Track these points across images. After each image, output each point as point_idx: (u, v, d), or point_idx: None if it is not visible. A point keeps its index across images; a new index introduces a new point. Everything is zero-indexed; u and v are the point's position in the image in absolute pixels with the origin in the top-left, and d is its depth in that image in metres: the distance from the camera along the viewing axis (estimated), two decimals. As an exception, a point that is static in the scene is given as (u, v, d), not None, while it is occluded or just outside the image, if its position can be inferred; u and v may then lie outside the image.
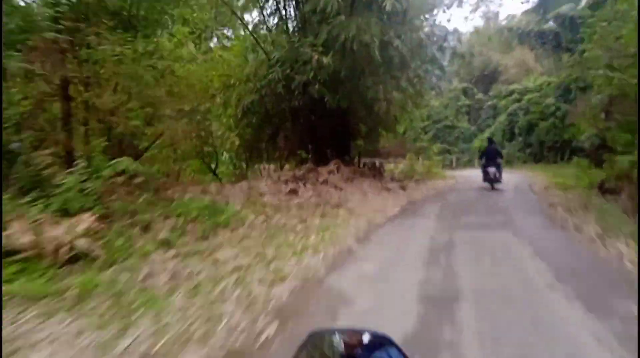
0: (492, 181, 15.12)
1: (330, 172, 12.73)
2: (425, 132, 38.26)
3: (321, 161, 13.33)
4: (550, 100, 29.18)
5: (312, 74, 11.43)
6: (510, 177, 21.45)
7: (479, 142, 35.36)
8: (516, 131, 31.75)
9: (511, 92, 36.56)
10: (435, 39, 16.06)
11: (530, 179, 21.36)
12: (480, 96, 40.82)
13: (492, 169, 15.00)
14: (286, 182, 11.82)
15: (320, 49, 11.37)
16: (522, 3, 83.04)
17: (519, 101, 33.27)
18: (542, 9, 27.56)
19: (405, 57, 12.82)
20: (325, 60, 10.93)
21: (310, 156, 13.77)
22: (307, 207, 9.75)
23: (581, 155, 24.37)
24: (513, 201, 12.22)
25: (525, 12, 32.24)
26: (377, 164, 17.39)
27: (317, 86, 11.73)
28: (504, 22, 44.84)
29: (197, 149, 13.29)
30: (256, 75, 13.10)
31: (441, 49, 18.38)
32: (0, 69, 5.48)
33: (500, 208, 10.87)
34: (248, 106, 13.15)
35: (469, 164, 34.70)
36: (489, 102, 39.03)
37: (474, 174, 25.43)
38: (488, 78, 47.89)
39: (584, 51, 16.40)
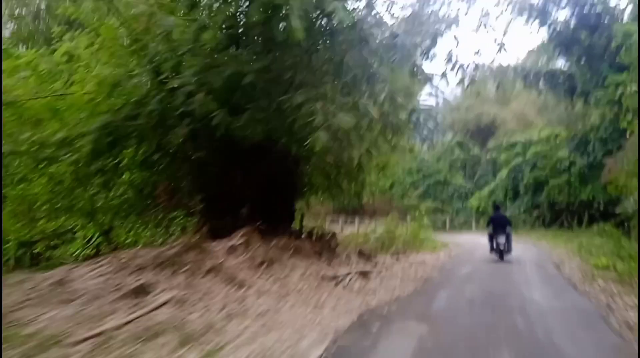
0: (501, 252, 13.49)
1: (231, 250, 7.28)
2: (415, 188, 33.11)
3: (225, 228, 7.86)
4: (562, 153, 24.26)
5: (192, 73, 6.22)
6: (521, 249, 16.24)
7: (476, 201, 30.22)
8: (521, 189, 26.68)
9: (513, 145, 31.80)
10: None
11: (550, 253, 15.95)
12: (476, 150, 36.01)
13: (501, 240, 13.47)
14: (137, 271, 6.35)
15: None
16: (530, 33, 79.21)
17: (523, 154, 28.41)
18: (554, 44, 23.09)
19: (369, 63, 7.70)
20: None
21: (200, 219, 8.13)
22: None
23: (610, 221, 19.13)
24: (558, 315, 6.60)
25: (531, 52, 27.87)
26: (328, 234, 11.86)
27: (202, 96, 6.46)
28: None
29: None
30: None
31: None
32: (0, 70, 5.21)
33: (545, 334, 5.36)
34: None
35: (464, 226, 29.31)
36: (487, 156, 34.20)
37: (474, 241, 20.24)
38: (484, 132, 43.50)
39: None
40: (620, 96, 15.53)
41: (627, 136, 17.11)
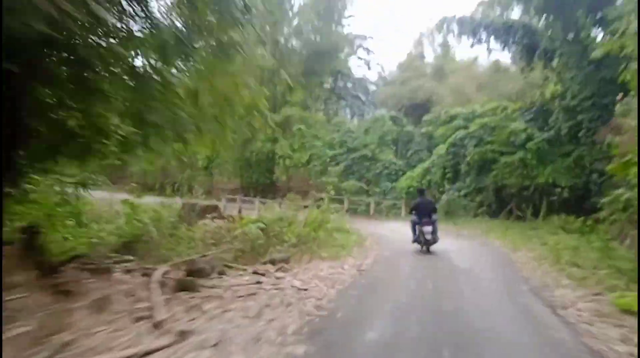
0: (427, 243, 11.55)
1: None
2: (337, 164, 27.47)
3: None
4: (517, 125, 19.33)
5: None
6: (467, 249, 11.59)
7: (407, 181, 25.12)
8: (462, 168, 21.69)
9: (453, 117, 26.88)
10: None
11: (509, 258, 10.77)
12: (410, 128, 30.75)
13: (428, 228, 11.50)
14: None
15: None
16: None
17: (465, 128, 23.46)
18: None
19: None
20: None
21: None
22: None
23: (577, 214, 14.43)
24: None
25: (482, 2, 22.64)
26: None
27: None
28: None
29: None
30: None
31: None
32: (1, 69, 4.11)
33: None
34: None
35: (392, 212, 24.10)
36: (423, 130, 29.17)
37: (401, 232, 15.09)
38: (420, 109, 38.71)
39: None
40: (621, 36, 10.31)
41: (619, 98, 12.09)
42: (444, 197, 21.54)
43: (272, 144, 29.38)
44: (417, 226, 11.85)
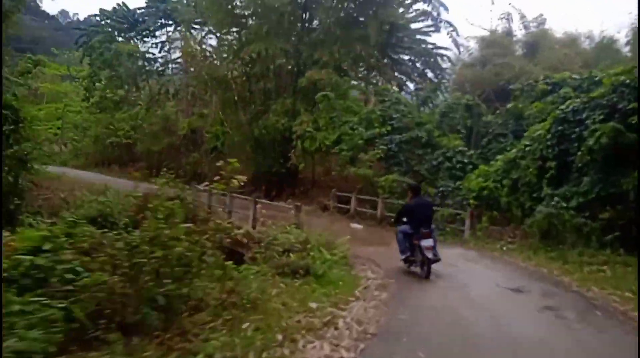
0: (429, 262, 8.44)
1: None
2: (375, 149, 18.87)
3: None
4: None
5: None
6: None
7: (480, 180, 16.08)
8: (576, 160, 12.38)
9: (557, 85, 17.46)
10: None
11: None
12: (490, 117, 21.04)
13: (428, 243, 8.47)
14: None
15: None
16: None
17: (577, 97, 14.13)
18: None
19: None
20: None
21: None
22: None
23: None
24: None
25: None
26: None
27: None
28: None
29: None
30: None
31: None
32: (1, 67, 5.48)
33: None
34: None
35: (452, 228, 15.26)
36: (509, 105, 19.79)
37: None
38: (505, 95, 28.68)
39: None
40: None
41: None
42: (541, 208, 12.40)
43: (289, 120, 21.41)
44: (409, 239, 8.78)
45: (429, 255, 8.39)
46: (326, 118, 20.30)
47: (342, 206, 18.81)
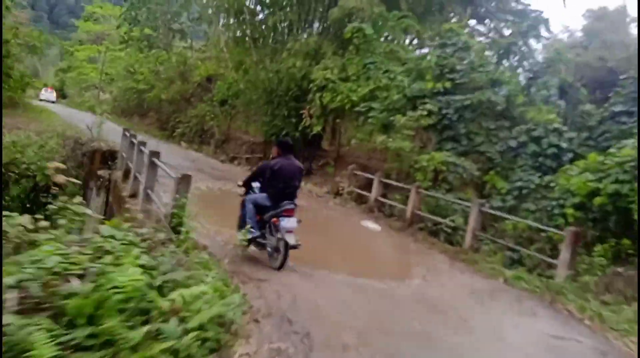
0: (287, 248, 6.01)
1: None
2: (424, 114, 12.33)
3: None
4: None
5: None
6: None
7: (584, 177, 9.07)
8: None
9: None
10: None
11: None
12: (589, 107, 13.25)
13: (290, 223, 6.17)
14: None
15: None
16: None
17: None
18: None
19: None
20: None
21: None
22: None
23: None
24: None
25: None
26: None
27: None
28: None
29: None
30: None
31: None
32: (0, 66, 6.00)
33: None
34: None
35: (544, 267, 8.66)
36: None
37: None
38: (610, 82, 20.18)
39: None
40: None
41: None
42: None
43: (309, 64, 15.32)
44: (263, 212, 6.36)
45: (291, 239, 5.94)
46: (358, 64, 14.04)
47: (363, 192, 12.69)
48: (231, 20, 17.88)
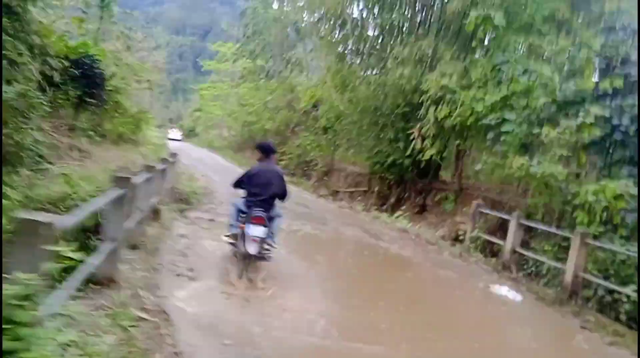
0: (248, 258, 6.02)
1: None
2: (560, 110, 8.41)
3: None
4: None
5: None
6: None
7: None
8: None
9: None
10: None
11: None
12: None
13: (255, 231, 5.96)
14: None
15: None
16: None
17: None
18: None
19: None
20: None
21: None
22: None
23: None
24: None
25: None
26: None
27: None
28: None
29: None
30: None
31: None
32: (1, 69, 4.83)
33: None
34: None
35: None
36: None
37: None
38: None
39: None
40: None
41: None
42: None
43: (422, 73, 12.14)
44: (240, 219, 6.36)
45: (251, 249, 5.87)
46: (485, 66, 10.56)
47: (493, 239, 9.01)
48: (334, 34, 15.50)
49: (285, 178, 6.77)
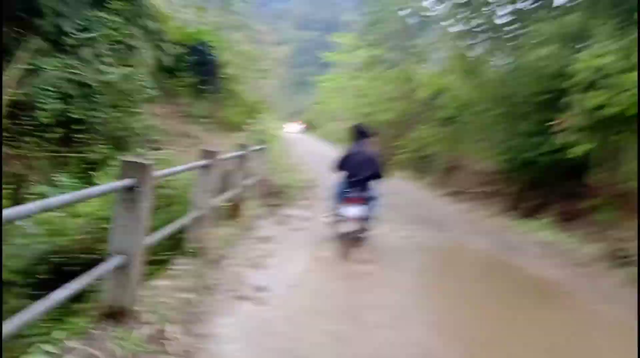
0: (345, 237, 6.34)
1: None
2: None
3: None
4: None
5: None
6: None
7: None
8: None
9: None
10: None
11: None
12: None
13: (351, 211, 6.34)
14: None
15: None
16: None
17: None
18: None
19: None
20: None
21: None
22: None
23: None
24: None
25: None
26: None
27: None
28: None
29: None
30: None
31: None
32: (1, 68, 4.66)
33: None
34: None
35: None
36: None
37: None
38: None
39: None
40: None
41: None
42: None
43: (569, 52, 9.99)
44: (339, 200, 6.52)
45: (348, 228, 6.21)
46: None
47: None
48: (458, 14, 13.74)
49: (381, 160, 6.84)
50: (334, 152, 22.11)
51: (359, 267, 6.07)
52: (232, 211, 6.95)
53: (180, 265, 4.79)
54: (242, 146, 7.53)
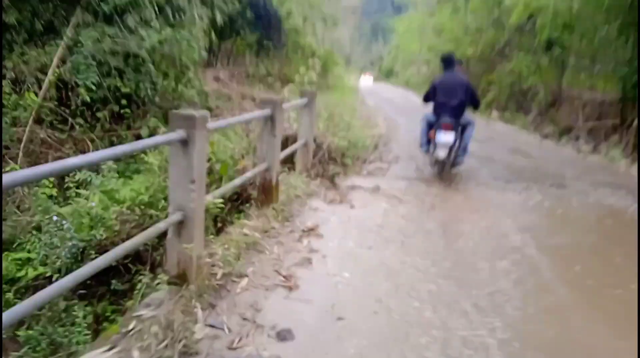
0: (440, 164, 6.64)
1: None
2: None
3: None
4: None
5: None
6: None
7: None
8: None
9: None
10: None
11: None
12: None
13: (445, 138, 6.32)
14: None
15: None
16: None
17: None
18: None
19: None
20: None
21: None
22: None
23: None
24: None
25: None
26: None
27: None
28: None
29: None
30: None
31: None
32: (1, 68, 4.55)
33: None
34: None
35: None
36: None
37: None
38: None
39: None
40: None
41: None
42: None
43: None
44: (432, 130, 6.53)
45: (440, 153, 6.31)
46: None
47: None
48: None
49: (473, 86, 6.70)
50: (414, 99, 20.10)
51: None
52: (264, 191, 5.18)
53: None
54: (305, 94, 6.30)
